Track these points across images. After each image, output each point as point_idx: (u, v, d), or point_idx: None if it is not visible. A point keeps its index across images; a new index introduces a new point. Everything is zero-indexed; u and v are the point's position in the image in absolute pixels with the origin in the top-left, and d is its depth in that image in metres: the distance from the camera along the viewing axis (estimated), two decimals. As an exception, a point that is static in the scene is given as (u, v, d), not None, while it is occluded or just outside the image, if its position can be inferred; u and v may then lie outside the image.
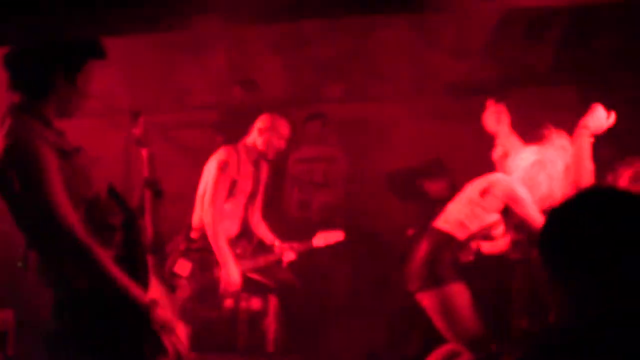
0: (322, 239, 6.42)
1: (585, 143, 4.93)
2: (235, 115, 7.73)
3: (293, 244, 6.36)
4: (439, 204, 6.52)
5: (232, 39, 8.51)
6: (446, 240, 4.79)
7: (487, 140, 7.46)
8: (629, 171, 4.78)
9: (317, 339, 6.86)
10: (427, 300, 4.79)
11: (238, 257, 6.05)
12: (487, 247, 4.94)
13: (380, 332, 7.05)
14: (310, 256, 7.42)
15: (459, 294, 4.69)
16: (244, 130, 6.60)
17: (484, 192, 4.81)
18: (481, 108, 7.67)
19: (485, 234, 4.85)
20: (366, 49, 8.24)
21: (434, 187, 6.94)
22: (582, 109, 6.70)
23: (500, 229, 4.87)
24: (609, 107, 5.68)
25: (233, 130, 7.44)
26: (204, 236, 5.96)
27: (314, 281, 7.50)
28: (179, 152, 8.13)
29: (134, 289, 2.95)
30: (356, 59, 8.26)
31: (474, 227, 4.80)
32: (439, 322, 4.76)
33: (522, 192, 4.80)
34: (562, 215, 1.97)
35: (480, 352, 4.64)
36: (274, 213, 7.97)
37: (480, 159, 7.14)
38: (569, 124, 6.77)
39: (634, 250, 1.84)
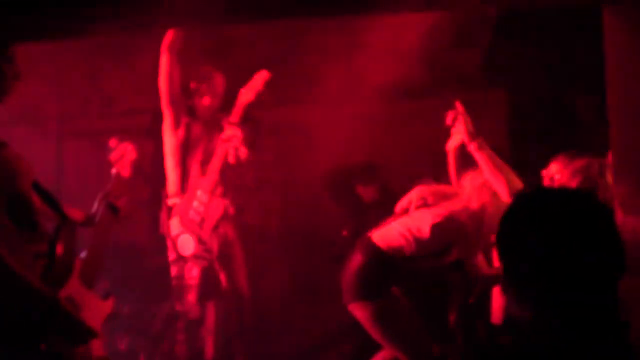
0: (249, 91, 6.55)
1: (482, 154, 4.93)
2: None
3: None
4: (372, 207, 6.59)
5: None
6: (382, 258, 4.78)
7: (418, 143, 7.59)
8: (569, 168, 4.82)
9: (255, 345, 6.86)
10: (360, 312, 4.77)
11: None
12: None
13: (317, 338, 7.10)
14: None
15: (393, 308, 4.69)
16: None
17: (432, 227, 4.76)
18: (411, 111, 7.82)
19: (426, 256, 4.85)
20: (296, 53, 8.23)
21: (366, 191, 6.99)
22: (511, 112, 6.91)
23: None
24: (537, 109, 5.85)
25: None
26: None
27: (250, 286, 7.51)
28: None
29: (37, 283, 2.93)
30: (285, 62, 8.25)
31: (413, 250, 4.79)
32: (374, 334, 4.75)
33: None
34: (512, 216, 2.00)
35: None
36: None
37: (412, 162, 7.27)
38: (496, 127, 6.95)
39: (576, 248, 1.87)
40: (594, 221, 1.91)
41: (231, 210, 6.47)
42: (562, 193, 2.05)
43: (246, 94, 6.32)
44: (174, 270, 6.54)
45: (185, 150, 6.61)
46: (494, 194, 4.72)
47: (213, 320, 6.80)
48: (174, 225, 6.49)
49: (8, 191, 2.97)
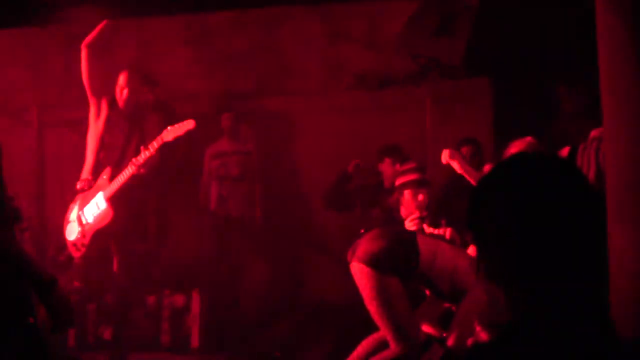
0: (171, 132, 6.41)
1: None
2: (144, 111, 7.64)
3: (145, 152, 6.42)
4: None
5: (139, 32, 8.37)
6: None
7: (398, 132, 7.63)
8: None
9: (238, 334, 6.89)
10: (364, 277, 4.74)
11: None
12: None
13: (296, 326, 7.13)
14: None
15: (395, 287, 4.74)
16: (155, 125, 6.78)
17: None
18: (392, 100, 7.85)
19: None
20: (276, 42, 8.24)
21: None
22: (494, 101, 6.96)
23: None
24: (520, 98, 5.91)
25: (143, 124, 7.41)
26: None
27: (232, 275, 7.54)
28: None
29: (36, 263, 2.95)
30: (266, 52, 8.25)
31: None
32: (369, 303, 4.74)
33: None
34: (481, 184, 1.88)
35: (406, 341, 4.69)
36: (192, 209, 7.96)
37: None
38: (481, 117, 7.00)
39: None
40: (564, 184, 1.79)
41: (114, 227, 6.57)
42: (529, 158, 1.96)
43: (168, 134, 6.44)
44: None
45: (102, 143, 6.80)
46: None
47: (198, 309, 6.85)
48: (72, 210, 6.60)
49: None
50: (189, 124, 6.44)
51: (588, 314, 1.75)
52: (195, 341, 6.81)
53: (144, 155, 6.36)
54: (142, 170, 6.41)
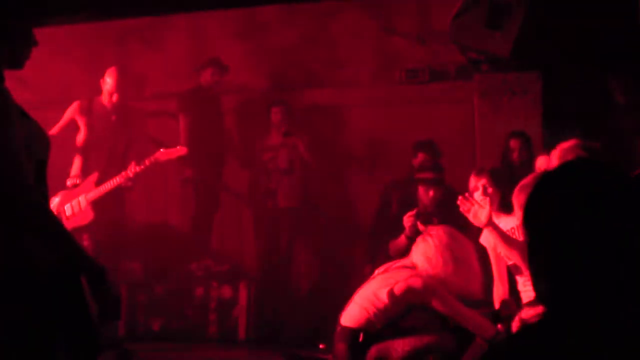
0: (165, 154, 6.74)
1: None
2: (197, 100, 7.74)
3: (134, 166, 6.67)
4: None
5: (191, 25, 8.46)
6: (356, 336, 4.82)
7: (446, 125, 7.59)
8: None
9: (285, 326, 6.92)
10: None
11: None
12: None
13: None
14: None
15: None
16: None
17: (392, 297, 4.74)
18: (441, 93, 7.81)
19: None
20: (326, 35, 8.24)
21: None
22: (543, 94, 6.86)
23: None
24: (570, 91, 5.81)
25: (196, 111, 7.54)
26: None
27: (279, 268, 7.58)
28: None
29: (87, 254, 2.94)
30: (316, 45, 8.26)
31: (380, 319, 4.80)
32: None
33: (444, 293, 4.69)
34: (538, 188, 1.98)
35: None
36: (241, 203, 8.04)
37: (443, 142, 7.26)
38: (530, 110, 6.91)
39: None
40: (618, 191, 1.85)
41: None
42: (587, 165, 2.02)
43: (162, 155, 6.64)
44: None
45: (89, 143, 7.08)
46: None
47: (245, 300, 6.91)
48: (54, 203, 6.69)
49: (37, 158, 2.97)
50: (181, 150, 6.86)
51: (632, 316, 1.77)
52: (242, 333, 6.87)
53: (133, 170, 6.63)
54: (129, 184, 6.74)
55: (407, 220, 5.40)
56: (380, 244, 6.73)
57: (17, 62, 2.96)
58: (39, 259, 2.82)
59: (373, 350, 4.69)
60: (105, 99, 7.13)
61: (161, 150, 6.77)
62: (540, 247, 1.88)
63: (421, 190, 5.90)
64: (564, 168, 1.97)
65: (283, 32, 8.28)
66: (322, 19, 8.18)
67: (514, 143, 6.52)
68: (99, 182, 6.80)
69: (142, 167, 6.63)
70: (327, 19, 8.18)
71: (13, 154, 2.73)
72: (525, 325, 2.05)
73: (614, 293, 1.80)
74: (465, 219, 4.77)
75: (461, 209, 4.62)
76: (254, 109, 8.10)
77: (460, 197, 4.65)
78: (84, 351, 2.98)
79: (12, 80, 2.85)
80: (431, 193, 5.85)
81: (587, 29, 6.21)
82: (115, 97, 7.12)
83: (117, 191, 6.84)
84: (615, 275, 1.80)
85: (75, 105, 7.20)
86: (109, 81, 7.13)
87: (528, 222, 1.94)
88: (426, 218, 5.40)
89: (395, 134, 7.69)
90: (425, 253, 4.67)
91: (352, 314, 4.82)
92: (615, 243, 1.80)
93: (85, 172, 6.96)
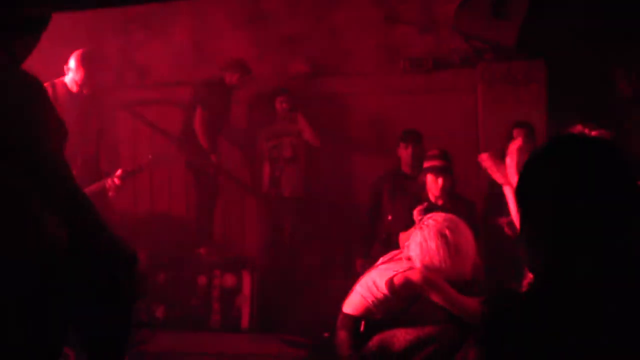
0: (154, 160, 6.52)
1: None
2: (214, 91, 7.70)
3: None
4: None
5: (195, 13, 8.44)
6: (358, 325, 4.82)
7: (450, 114, 7.59)
8: None
9: (288, 314, 6.92)
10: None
11: None
12: None
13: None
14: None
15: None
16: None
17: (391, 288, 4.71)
18: (445, 82, 7.79)
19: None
20: (331, 24, 8.22)
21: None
22: (548, 84, 6.86)
23: None
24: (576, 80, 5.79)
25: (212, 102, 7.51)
26: None
27: (282, 255, 7.59)
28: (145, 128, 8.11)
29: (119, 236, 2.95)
30: (321, 34, 8.24)
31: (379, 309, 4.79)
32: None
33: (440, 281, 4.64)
34: (532, 162, 1.96)
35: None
36: (245, 192, 8.05)
37: (446, 131, 7.27)
38: (534, 100, 6.91)
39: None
40: (612, 165, 1.87)
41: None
42: (580, 139, 2.01)
43: (150, 163, 6.44)
44: None
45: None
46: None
47: (248, 289, 6.91)
48: None
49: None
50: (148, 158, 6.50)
51: (618, 294, 1.79)
52: (245, 321, 6.88)
53: (119, 178, 6.18)
54: (111, 194, 6.25)
55: (417, 214, 5.38)
56: (372, 238, 6.80)
57: (23, 58, 2.95)
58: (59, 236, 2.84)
59: (375, 339, 4.68)
60: (71, 85, 6.30)
61: (149, 156, 6.48)
62: (536, 219, 1.89)
63: (430, 178, 5.87)
64: (559, 142, 1.98)
65: (288, 21, 8.27)
66: (327, 7, 8.17)
67: (517, 132, 6.51)
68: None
69: (130, 171, 6.26)
70: (332, 7, 8.17)
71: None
72: (517, 295, 2.05)
73: (611, 263, 1.81)
74: (472, 209, 4.77)
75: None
76: (259, 98, 8.10)
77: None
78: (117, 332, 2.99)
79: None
80: (440, 181, 5.83)
81: (593, 18, 6.20)
82: (82, 84, 6.26)
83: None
84: (611, 246, 1.82)
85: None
86: (74, 67, 6.29)
87: (523, 195, 1.96)
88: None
89: (400, 122, 7.67)
90: (420, 243, 4.65)
91: (353, 302, 4.82)
92: (612, 215, 1.82)
93: None
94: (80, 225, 2.85)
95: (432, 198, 5.84)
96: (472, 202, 6.10)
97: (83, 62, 6.26)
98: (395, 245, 5.33)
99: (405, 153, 6.78)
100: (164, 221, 8.04)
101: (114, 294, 2.97)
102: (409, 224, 5.32)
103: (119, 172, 6.20)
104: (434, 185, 5.84)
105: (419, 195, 5.93)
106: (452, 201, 5.82)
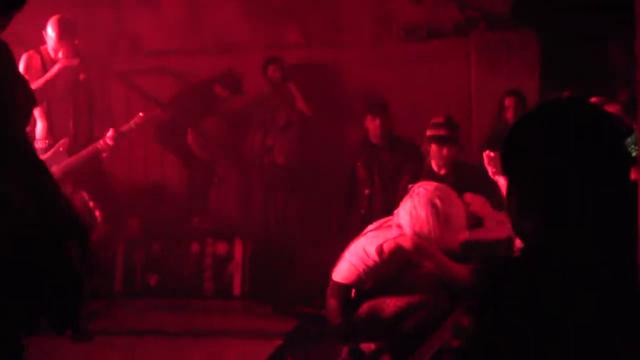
0: (144, 117, 6.49)
1: None
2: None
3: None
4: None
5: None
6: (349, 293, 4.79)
7: (444, 83, 7.58)
8: None
9: (280, 282, 6.94)
10: None
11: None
12: None
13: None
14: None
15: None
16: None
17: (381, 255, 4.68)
18: (439, 51, 7.78)
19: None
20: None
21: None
22: (541, 53, 6.85)
23: None
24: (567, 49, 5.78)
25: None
26: None
27: (271, 224, 7.61)
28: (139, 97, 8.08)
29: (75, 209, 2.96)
30: (314, 4, 8.21)
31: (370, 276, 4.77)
32: None
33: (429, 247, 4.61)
34: (518, 125, 1.94)
35: None
36: (239, 159, 8.05)
37: (439, 100, 7.26)
38: (527, 69, 6.90)
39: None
40: (599, 127, 1.85)
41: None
42: (569, 102, 1.99)
43: (141, 119, 6.40)
44: None
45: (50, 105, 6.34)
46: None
47: (240, 257, 6.93)
48: None
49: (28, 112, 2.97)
50: (139, 116, 6.47)
51: (609, 257, 1.79)
52: (237, 289, 6.91)
53: (112, 139, 6.22)
54: (104, 155, 6.32)
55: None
56: (351, 212, 6.83)
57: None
58: (27, 214, 2.83)
59: (365, 306, 4.67)
60: (51, 52, 6.19)
61: (140, 114, 6.46)
62: (524, 184, 1.87)
63: (434, 148, 5.72)
64: (545, 105, 1.95)
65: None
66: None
67: (508, 101, 6.53)
68: (71, 152, 6.29)
69: (123, 131, 6.32)
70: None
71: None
72: (508, 263, 2.04)
73: (601, 229, 1.80)
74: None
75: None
76: (251, 66, 8.07)
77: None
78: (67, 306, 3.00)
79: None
80: (445, 151, 5.68)
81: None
82: (55, 50, 6.14)
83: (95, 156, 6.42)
84: (601, 211, 1.80)
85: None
86: (51, 34, 6.15)
87: (510, 159, 1.93)
88: None
89: (394, 91, 7.68)
90: (410, 211, 4.63)
91: (342, 270, 4.78)
92: (602, 177, 1.80)
93: (51, 134, 6.31)
94: (36, 198, 2.85)
95: (435, 167, 5.77)
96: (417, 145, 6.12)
97: (54, 28, 6.13)
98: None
99: (372, 125, 6.81)
100: (158, 191, 8.05)
101: (65, 266, 2.99)
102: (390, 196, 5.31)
103: (110, 132, 6.23)
104: (437, 155, 5.73)
105: (420, 164, 5.88)
106: (452, 168, 5.78)
